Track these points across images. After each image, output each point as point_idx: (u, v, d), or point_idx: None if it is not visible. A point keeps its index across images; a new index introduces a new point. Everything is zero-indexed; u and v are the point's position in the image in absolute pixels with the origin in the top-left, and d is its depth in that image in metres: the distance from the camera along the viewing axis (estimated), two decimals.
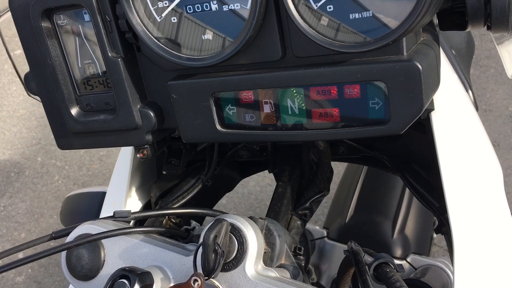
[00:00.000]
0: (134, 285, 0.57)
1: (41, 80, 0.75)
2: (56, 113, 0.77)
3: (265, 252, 0.67)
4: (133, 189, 0.96)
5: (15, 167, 3.29)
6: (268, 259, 0.67)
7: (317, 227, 1.55)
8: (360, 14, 0.60)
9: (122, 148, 0.99)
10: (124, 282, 0.57)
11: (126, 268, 0.59)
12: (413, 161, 0.93)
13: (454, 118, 0.79)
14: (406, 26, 0.56)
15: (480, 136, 0.84)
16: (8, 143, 3.43)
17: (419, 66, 0.58)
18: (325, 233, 1.52)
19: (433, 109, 0.76)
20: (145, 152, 0.78)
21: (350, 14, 0.60)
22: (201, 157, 1.03)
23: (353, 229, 1.46)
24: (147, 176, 0.99)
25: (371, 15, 0.59)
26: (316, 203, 0.93)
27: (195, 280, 0.56)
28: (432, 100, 0.77)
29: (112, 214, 0.74)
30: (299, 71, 0.64)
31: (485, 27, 0.67)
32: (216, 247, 0.58)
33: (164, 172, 0.98)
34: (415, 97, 0.59)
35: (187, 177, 1.02)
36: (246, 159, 1.06)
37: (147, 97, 0.75)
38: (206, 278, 0.58)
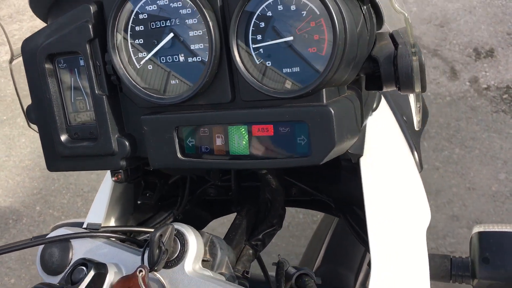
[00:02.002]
0: (90, 271, 0.69)
1: (40, 111, 0.92)
2: (49, 139, 0.92)
3: (207, 260, 0.80)
4: (111, 221, 1.09)
5: (14, 214, 3.41)
6: (209, 267, 0.79)
7: None
8: (291, 69, 0.76)
9: (103, 182, 1.13)
10: (82, 268, 0.70)
11: (86, 258, 0.71)
12: (354, 203, 1.06)
13: (381, 163, 0.94)
14: (317, 83, 0.73)
15: (410, 184, 0.98)
16: (10, 191, 3.58)
17: (332, 111, 0.74)
18: None
19: (362, 155, 0.91)
20: (119, 176, 0.93)
21: (284, 69, 0.77)
22: (175, 193, 1.17)
23: None
24: (125, 210, 1.12)
25: (298, 70, 0.76)
26: (269, 236, 1.06)
27: (140, 271, 0.69)
28: (363, 147, 0.92)
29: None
30: (244, 111, 0.80)
31: (397, 88, 0.84)
32: (161, 245, 0.71)
33: (139, 202, 1.11)
34: (329, 135, 0.74)
35: (160, 211, 1.16)
36: (213, 197, 1.20)
37: (125, 129, 0.90)
38: (150, 270, 0.70)
